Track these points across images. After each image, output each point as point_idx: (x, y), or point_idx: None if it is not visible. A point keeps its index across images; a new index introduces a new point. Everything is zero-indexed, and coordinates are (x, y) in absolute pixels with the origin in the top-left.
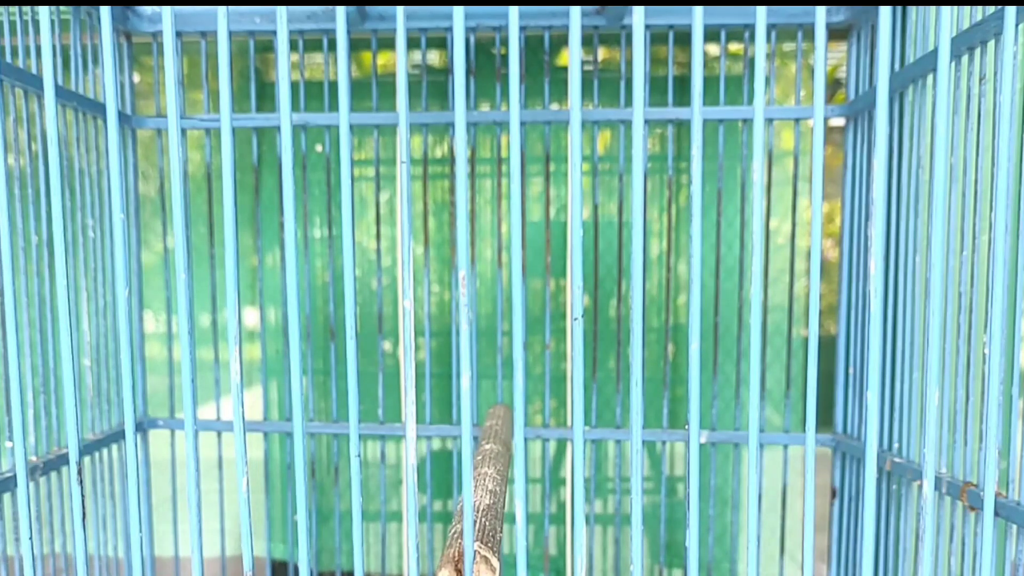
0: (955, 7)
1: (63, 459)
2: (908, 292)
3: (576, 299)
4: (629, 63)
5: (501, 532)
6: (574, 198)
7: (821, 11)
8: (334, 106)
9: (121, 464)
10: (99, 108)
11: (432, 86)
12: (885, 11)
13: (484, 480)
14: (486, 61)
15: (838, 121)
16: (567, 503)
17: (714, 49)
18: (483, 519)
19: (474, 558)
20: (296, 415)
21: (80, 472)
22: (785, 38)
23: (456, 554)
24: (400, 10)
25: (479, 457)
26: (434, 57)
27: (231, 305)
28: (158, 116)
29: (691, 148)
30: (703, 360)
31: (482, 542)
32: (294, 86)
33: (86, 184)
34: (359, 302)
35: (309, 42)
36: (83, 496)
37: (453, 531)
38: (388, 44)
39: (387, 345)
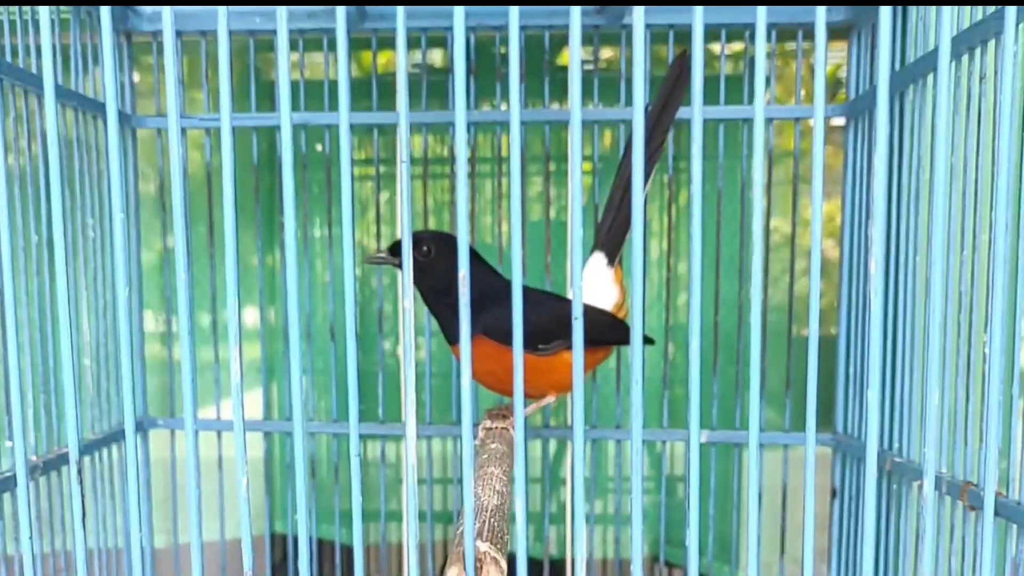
0: (955, 7)
1: (63, 459)
2: (908, 292)
3: (577, 299)
4: (629, 63)
5: (508, 533)
6: (574, 198)
7: (821, 11)
8: (334, 106)
9: (121, 463)
10: (99, 108)
11: (432, 86)
12: (885, 11)
13: (491, 480)
14: (486, 61)
15: (838, 121)
16: (567, 503)
17: (714, 48)
18: (491, 519)
19: (484, 559)
20: (296, 415)
21: (80, 472)
22: (785, 38)
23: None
24: (400, 10)
25: (484, 456)
26: (434, 57)
27: (231, 305)
28: (158, 116)
29: (691, 148)
30: (703, 360)
31: (491, 543)
32: (294, 85)
33: (86, 184)
34: (359, 302)
35: (309, 41)
36: (83, 495)
37: (460, 529)
38: (388, 44)
39: (387, 345)
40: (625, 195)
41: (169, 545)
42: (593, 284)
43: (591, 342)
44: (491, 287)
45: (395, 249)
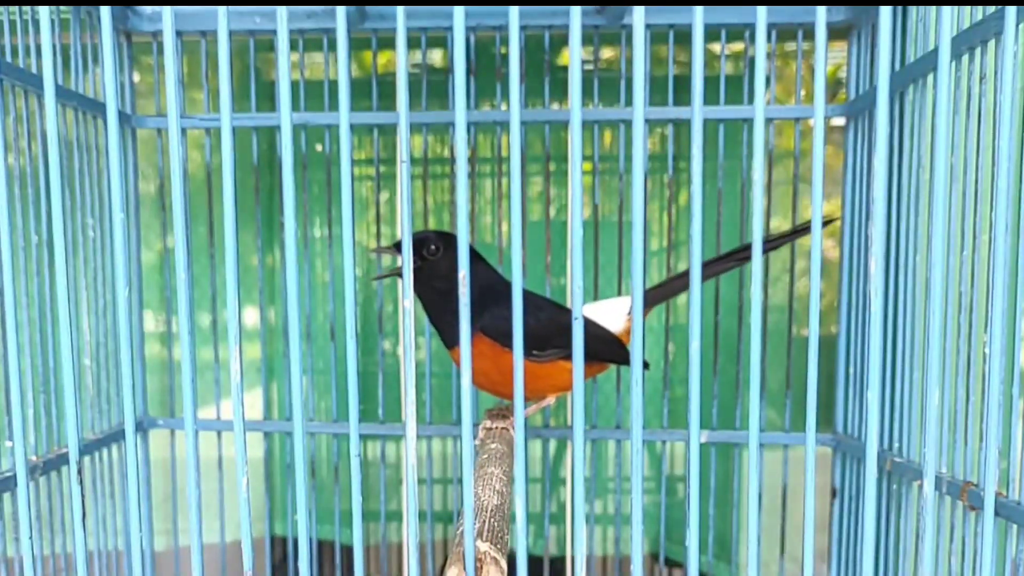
0: (955, 7)
1: (63, 459)
2: (908, 292)
3: (576, 299)
4: (629, 63)
5: (508, 533)
6: (574, 198)
7: (821, 11)
8: (334, 106)
9: (121, 463)
10: (99, 108)
11: (432, 86)
12: (885, 11)
13: (491, 480)
14: (486, 61)
15: (839, 121)
16: (567, 502)
17: (714, 48)
18: (491, 519)
19: (484, 559)
20: (296, 415)
21: (80, 472)
22: (785, 38)
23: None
24: (400, 10)
25: (484, 456)
26: (434, 57)
27: (231, 305)
28: (158, 116)
29: (691, 148)
30: (703, 360)
31: (492, 543)
32: (294, 85)
33: (86, 184)
34: (359, 302)
35: (309, 41)
36: (83, 496)
37: (460, 529)
38: (388, 44)
39: (387, 345)
40: (686, 282)
41: (169, 547)
42: (607, 311)
43: (587, 355)
44: (492, 287)
45: (400, 245)
